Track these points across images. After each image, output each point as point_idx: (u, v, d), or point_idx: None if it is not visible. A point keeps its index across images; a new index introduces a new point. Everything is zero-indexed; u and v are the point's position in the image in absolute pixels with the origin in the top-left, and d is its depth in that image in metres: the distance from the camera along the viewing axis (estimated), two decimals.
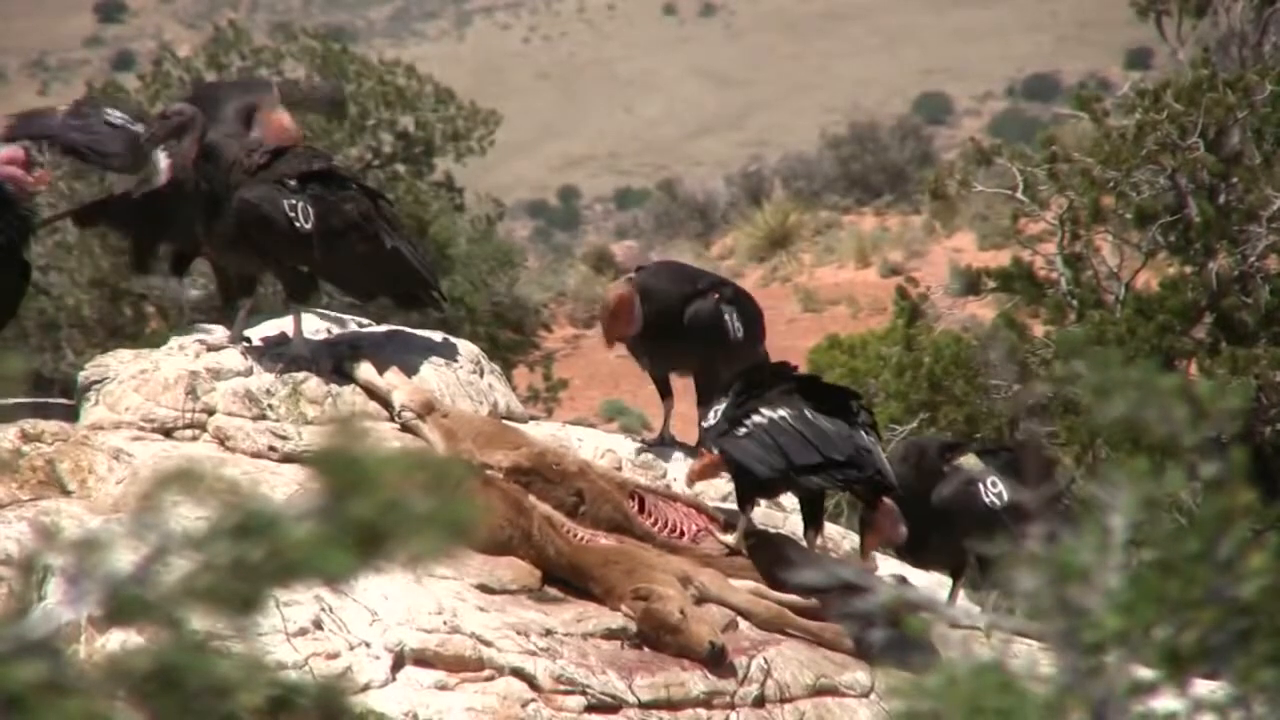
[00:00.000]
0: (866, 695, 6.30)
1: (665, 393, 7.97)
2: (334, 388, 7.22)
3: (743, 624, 6.45)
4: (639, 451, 7.62)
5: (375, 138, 19.03)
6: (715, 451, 6.99)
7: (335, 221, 7.25)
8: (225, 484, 2.11)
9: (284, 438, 6.90)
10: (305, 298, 7.41)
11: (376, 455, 2.10)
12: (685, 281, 7.90)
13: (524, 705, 5.71)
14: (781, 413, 6.81)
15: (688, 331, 7.69)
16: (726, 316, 7.88)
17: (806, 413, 6.80)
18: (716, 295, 7.85)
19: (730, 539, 6.88)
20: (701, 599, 6.42)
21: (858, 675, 6.34)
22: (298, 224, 7.16)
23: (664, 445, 7.85)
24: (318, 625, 5.67)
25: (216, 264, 8.03)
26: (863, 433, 6.85)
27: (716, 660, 6.06)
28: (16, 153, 6.47)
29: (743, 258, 29.48)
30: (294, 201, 7.16)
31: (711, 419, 6.98)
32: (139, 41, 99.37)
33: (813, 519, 6.91)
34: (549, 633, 6.03)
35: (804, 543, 6.94)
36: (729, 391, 7.00)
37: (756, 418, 6.83)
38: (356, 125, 18.73)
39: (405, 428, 7.03)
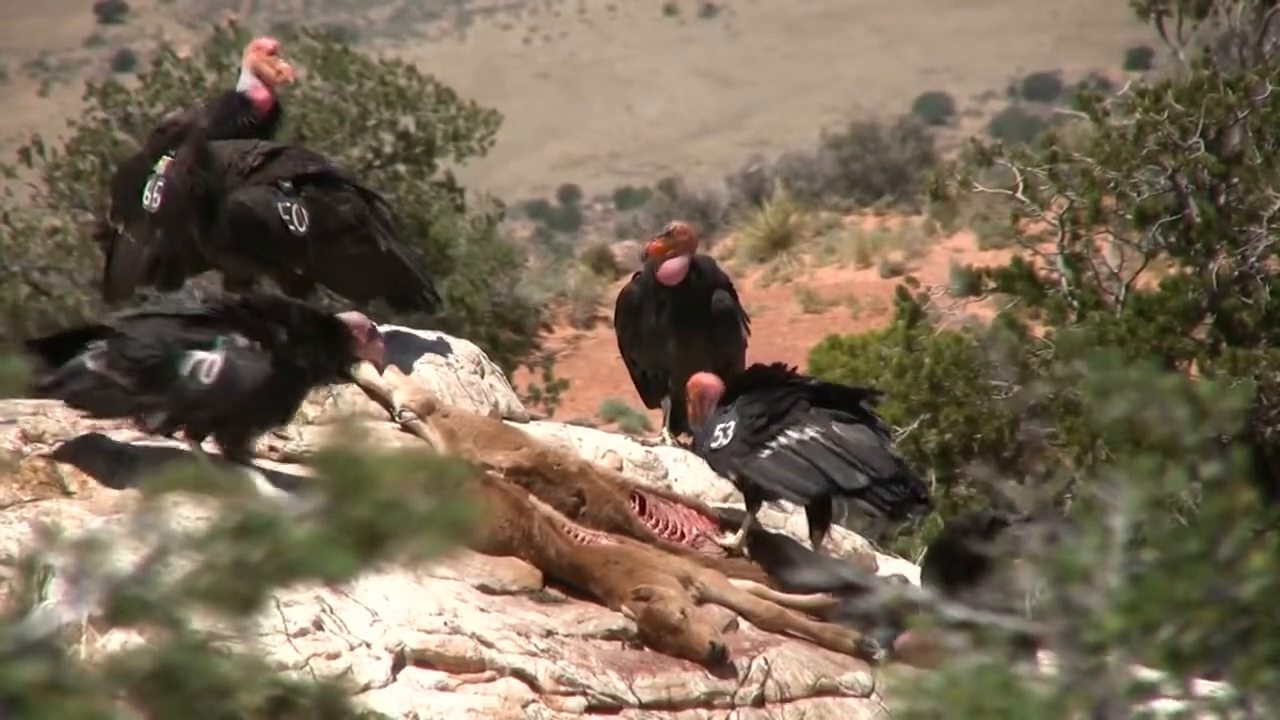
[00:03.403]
0: (867, 695, 6.30)
1: (662, 392, 7.98)
2: (334, 388, 7.22)
3: (743, 624, 6.45)
4: (646, 453, 7.59)
5: (376, 138, 19.03)
6: (732, 476, 6.88)
7: (330, 224, 7.24)
8: (225, 484, 2.11)
9: (284, 438, 6.90)
10: (303, 299, 7.41)
11: (376, 455, 2.10)
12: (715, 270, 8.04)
13: (524, 706, 5.70)
14: (811, 432, 6.64)
15: (712, 319, 7.70)
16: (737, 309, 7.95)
17: (835, 428, 6.63)
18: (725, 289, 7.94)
19: (732, 540, 6.85)
20: (702, 599, 6.41)
21: (858, 675, 6.34)
22: (292, 227, 7.16)
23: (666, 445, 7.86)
24: (318, 626, 5.67)
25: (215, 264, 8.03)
26: (889, 440, 6.74)
27: (717, 660, 6.06)
28: (364, 323, 6.50)
29: (743, 258, 29.47)
30: (289, 204, 7.16)
31: (721, 438, 6.80)
32: (139, 41, 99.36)
33: (819, 519, 6.82)
34: (550, 633, 6.02)
35: (804, 543, 6.93)
36: (730, 407, 6.85)
37: (783, 439, 6.66)
38: (357, 125, 18.73)
39: (405, 428, 7.03)
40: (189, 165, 7.11)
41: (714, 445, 6.80)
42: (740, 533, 6.85)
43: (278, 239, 7.14)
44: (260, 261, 7.26)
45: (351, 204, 7.32)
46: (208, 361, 6.03)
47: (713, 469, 7.05)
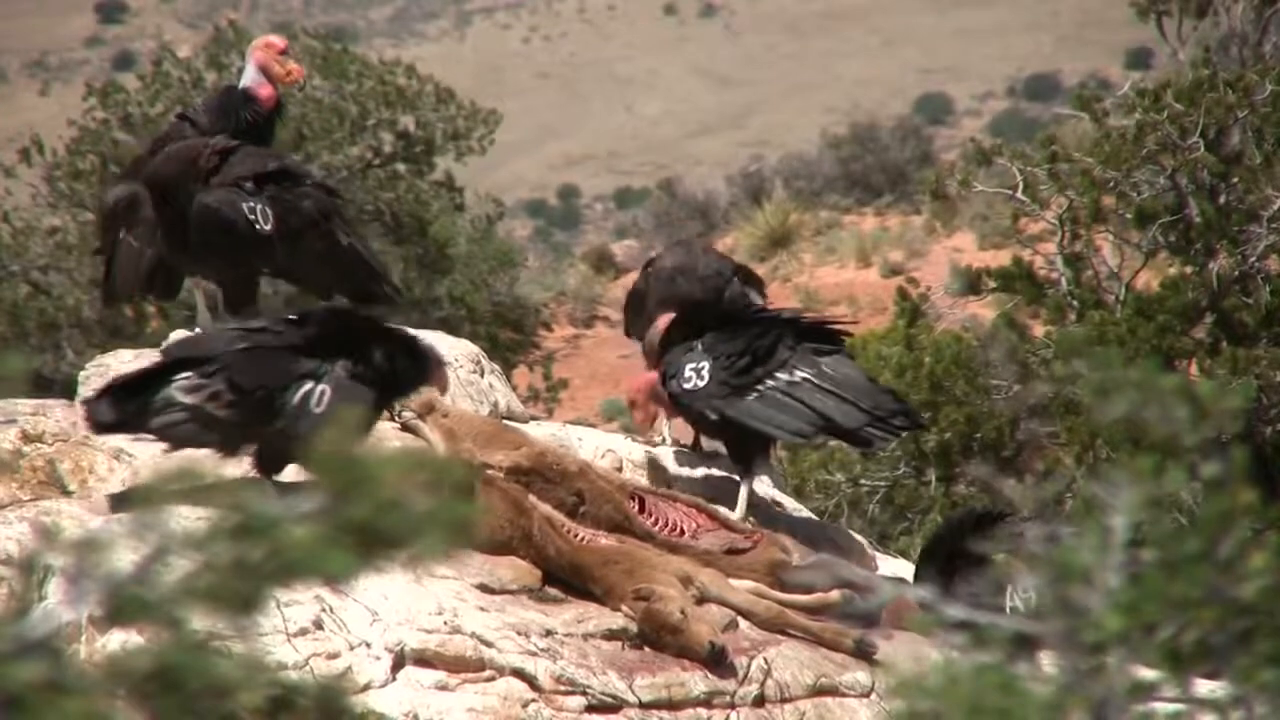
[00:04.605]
0: (867, 695, 6.29)
1: None
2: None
3: (743, 624, 6.45)
4: (647, 453, 7.58)
5: (376, 137, 19.03)
6: (712, 415, 6.80)
7: (294, 221, 7.28)
8: (225, 484, 2.11)
9: None
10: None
11: (376, 455, 2.10)
12: (717, 269, 7.93)
13: (524, 705, 5.70)
14: (801, 374, 6.62)
15: (721, 316, 7.66)
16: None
17: (826, 367, 6.64)
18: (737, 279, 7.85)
19: (734, 516, 6.86)
20: (702, 599, 6.41)
21: (858, 675, 6.33)
22: (258, 226, 7.19)
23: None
24: (318, 625, 5.67)
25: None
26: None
27: (717, 660, 6.06)
28: (442, 378, 6.48)
29: (743, 257, 29.43)
30: (253, 204, 7.19)
31: (696, 379, 6.76)
32: (139, 41, 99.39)
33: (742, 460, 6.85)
34: (549, 633, 6.02)
35: (798, 538, 6.93)
36: (695, 345, 6.84)
37: (771, 381, 6.65)
38: (357, 125, 18.73)
39: (405, 428, 7.03)
40: (154, 228, 7.20)
41: (687, 386, 6.75)
42: (740, 505, 6.89)
43: (245, 238, 7.17)
44: (229, 262, 7.28)
45: (313, 199, 7.35)
46: (318, 391, 5.90)
47: (685, 411, 6.98)
